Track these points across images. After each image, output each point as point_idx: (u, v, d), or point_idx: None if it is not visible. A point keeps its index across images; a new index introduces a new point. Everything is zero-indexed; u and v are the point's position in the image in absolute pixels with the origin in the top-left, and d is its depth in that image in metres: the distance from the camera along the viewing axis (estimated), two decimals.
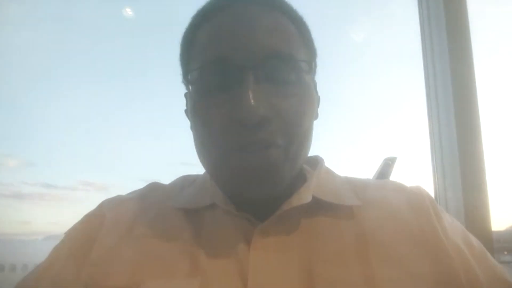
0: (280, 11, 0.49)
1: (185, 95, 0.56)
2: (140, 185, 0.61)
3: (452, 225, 0.53)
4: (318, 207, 0.50)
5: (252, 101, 0.42)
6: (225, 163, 0.46)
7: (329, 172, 0.57)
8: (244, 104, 0.42)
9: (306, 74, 0.49)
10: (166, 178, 0.61)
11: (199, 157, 0.51)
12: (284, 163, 0.45)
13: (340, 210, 0.51)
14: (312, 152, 0.52)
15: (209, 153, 0.48)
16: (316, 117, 0.53)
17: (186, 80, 0.51)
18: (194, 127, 0.50)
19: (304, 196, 0.49)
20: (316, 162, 0.57)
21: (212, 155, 0.47)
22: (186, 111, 0.56)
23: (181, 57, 0.53)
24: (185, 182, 0.60)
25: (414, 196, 0.54)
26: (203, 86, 0.47)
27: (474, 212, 1.10)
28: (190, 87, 0.49)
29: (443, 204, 1.18)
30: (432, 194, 1.23)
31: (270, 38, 0.46)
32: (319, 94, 0.55)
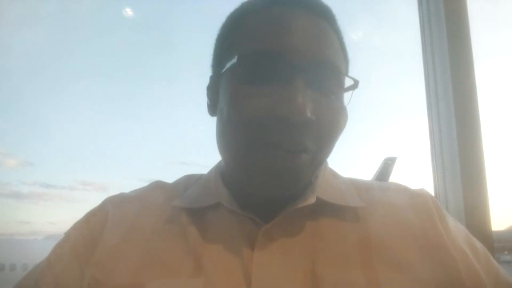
0: (327, 21, 0.50)
1: (211, 77, 0.54)
2: (139, 184, 0.61)
3: (456, 228, 0.53)
4: (322, 208, 0.50)
5: (303, 102, 0.42)
6: (253, 157, 0.45)
7: (332, 173, 0.57)
8: (294, 102, 0.42)
9: (344, 89, 0.49)
10: (166, 177, 0.61)
11: (222, 144, 0.50)
12: (309, 168, 0.46)
13: (344, 211, 0.51)
14: None
15: (237, 143, 0.46)
16: None
17: (224, 63, 0.49)
18: (226, 113, 0.47)
19: (309, 197, 0.48)
20: None
21: (240, 146, 0.46)
22: (208, 87, 0.55)
23: (223, 39, 0.52)
24: (189, 181, 0.60)
25: (418, 199, 0.54)
26: (246, 73, 0.46)
27: (474, 212, 1.09)
28: (230, 71, 0.48)
29: (443, 204, 1.17)
30: (432, 194, 1.23)
31: (322, 46, 0.46)
32: None
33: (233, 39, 0.50)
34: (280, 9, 0.48)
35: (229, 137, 0.48)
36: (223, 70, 0.49)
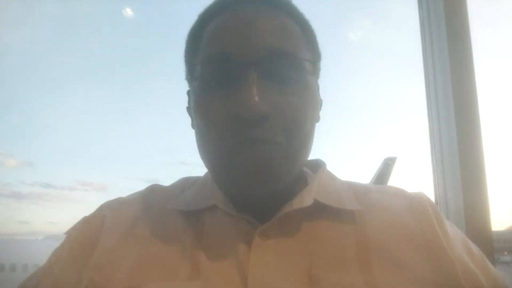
0: (286, 12, 0.50)
1: (188, 92, 0.55)
2: (139, 184, 0.61)
3: (453, 232, 0.53)
4: (320, 210, 0.50)
5: (255, 97, 0.42)
6: (225, 158, 0.46)
7: (330, 176, 0.57)
8: (246, 100, 0.43)
9: (309, 75, 0.49)
10: (166, 178, 0.61)
11: (200, 154, 0.51)
12: (284, 161, 0.45)
13: (341, 214, 0.50)
14: (312, 152, 0.52)
15: (209, 148, 0.47)
16: (317, 119, 0.53)
17: (190, 76, 0.51)
18: (195, 123, 0.50)
19: (306, 199, 0.48)
20: (317, 166, 0.57)
21: (212, 151, 0.47)
22: (188, 108, 0.55)
23: (186, 54, 0.53)
24: (186, 184, 0.60)
25: (416, 202, 0.54)
26: (205, 80, 0.47)
27: (474, 212, 1.09)
28: (194, 83, 0.49)
29: (443, 204, 1.17)
30: (432, 194, 1.23)
31: (274, 36, 0.46)
32: (321, 97, 0.55)
33: (192, 54, 0.51)
34: (232, 12, 0.49)
35: (203, 147, 0.49)
36: (191, 83, 0.51)
